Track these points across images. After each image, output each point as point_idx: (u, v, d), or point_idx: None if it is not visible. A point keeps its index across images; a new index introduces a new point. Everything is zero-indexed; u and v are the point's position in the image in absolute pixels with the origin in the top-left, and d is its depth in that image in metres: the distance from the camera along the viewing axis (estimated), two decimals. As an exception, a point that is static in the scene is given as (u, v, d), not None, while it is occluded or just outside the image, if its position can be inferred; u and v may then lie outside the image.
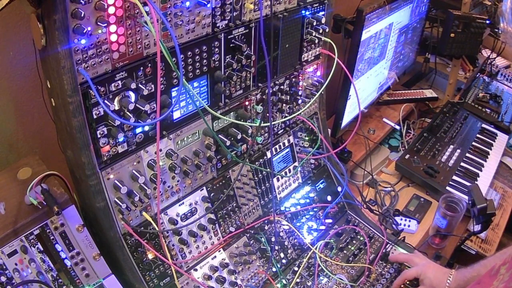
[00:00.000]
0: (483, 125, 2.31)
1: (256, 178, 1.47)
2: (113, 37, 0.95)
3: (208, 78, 1.21)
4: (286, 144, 1.58)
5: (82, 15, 0.86)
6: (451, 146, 2.09)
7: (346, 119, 1.85)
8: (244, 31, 1.24)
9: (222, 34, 1.18)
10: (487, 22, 2.19)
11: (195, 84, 1.19)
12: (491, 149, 2.15)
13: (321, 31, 1.45)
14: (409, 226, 1.73)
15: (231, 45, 1.22)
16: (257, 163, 1.47)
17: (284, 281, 1.40)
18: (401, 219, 1.75)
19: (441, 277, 1.31)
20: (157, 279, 1.21)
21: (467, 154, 2.07)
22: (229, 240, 1.39)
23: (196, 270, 1.31)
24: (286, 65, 1.44)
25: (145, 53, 1.03)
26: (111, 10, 0.92)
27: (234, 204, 1.41)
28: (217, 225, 1.35)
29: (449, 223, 1.62)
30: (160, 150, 1.17)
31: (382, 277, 1.47)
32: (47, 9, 0.84)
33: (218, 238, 1.36)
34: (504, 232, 1.82)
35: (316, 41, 1.49)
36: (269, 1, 1.26)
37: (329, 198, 1.66)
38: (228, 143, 1.27)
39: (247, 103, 1.37)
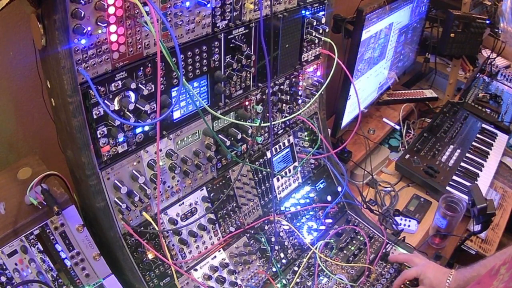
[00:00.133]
0: (483, 125, 2.31)
1: (256, 178, 1.47)
2: (113, 37, 0.95)
3: (208, 78, 1.21)
4: (286, 144, 1.58)
5: (82, 15, 0.86)
6: (451, 146, 2.09)
7: (346, 119, 1.85)
8: (244, 31, 1.24)
9: (222, 34, 1.18)
10: (487, 22, 2.19)
11: (195, 84, 1.19)
12: (491, 149, 2.15)
13: (321, 31, 1.45)
14: (409, 226, 1.73)
15: (231, 45, 1.22)
16: (257, 163, 1.47)
17: (284, 281, 1.40)
18: (401, 219, 1.75)
19: (441, 277, 1.31)
20: (157, 279, 1.21)
21: (467, 154, 2.07)
22: (229, 240, 1.39)
23: (196, 270, 1.31)
24: (286, 65, 1.44)
25: (145, 53, 1.03)
26: (111, 10, 0.92)
27: (234, 204, 1.41)
28: (217, 225, 1.35)
29: (449, 223, 1.62)
30: (160, 150, 1.17)
31: (382, 277, 1.47)
32: (47, 9, 0.84)
33: (218, 238, 1.36)
34: (504, 232, 1.82)
35: (316, 41, 1.49)
36: (269, 1, 1.26)
37: (329, 198, 1.66)
38: (228, 143, 1.27)
39: (247, 103, 1.37)
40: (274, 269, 1.41)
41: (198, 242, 1.31)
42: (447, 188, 1.85)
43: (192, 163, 1.26)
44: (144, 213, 1.19)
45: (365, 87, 1.94)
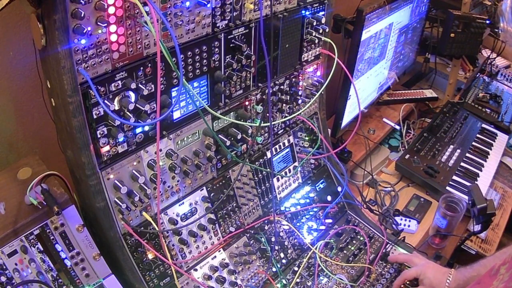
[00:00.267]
0: (483, 125, 2.31)
1: (256, 178, 1.47)
2: (113, 37, 0.95)
3: (208, 78, 1.21)
4: (286, 144, 1.58)
5: (82, 15, 0.86)
6: (451, 146, 2.09)
7: (346, 119, 1.85)
8: (244, 31, 1.24)
9: (222, 34, 1.18)
10: (487, 22, 2.20)
11: (195, 84, 1.19)
12: (491, 149, 2.15)
13: (321, 31, 1.45)
14: (409, 226, 1.73)
15: (231, 45, 1.22)
16: (257, 163, 1.47)
17: (284, 281, 1.40)
18: (401, 219, 1.75)
19: (440, 277, 1.31)
20: (157, 279, 1.21)
21: (467, 154, 2.07)
22: (229, 240, 1.39)
23: (196, 270, 1.31)
24: (286, 65, 1.44)
25: (145, 53, 1.03)
26: (111, 10, 0.92)
27: (234, 204, 1.41)
28: (217, 225, 1.36)
29: (449, 223, 1.62)
30: (160, 150, 1.17)
31: (382, 277, 1.47)
32: (47, 9, 0.84)
33: (218, 238, 1.36)
34: (504, 232, 1.82)
35: (316, 41, 1.49)
36: (269, 1, 1.26)
37: (329, 198, 1.66)
38: (228, 143, 1.27)
39: (247, 103, 1.37)
40: (274, 269, 1.41)
41: (198, 242, 1.31)
42: (447, 188, 1.85)
43: (192, 163, 1.26)
44: (144, 213, 1.19)
45: (365, 87, 1.94)
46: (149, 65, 1.04)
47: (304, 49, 1.48)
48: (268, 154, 1.50)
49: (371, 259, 1.50)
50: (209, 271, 1.32)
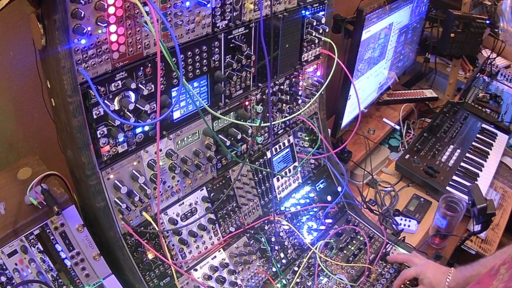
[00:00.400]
0: (483, 125, 2.31)
1: (256, 178, 1.47)
2: (113, 37, 0.95)
3: (208, 78, 1.21)
4: (286, 144, 1.58)
5: (82, 15, 0.86)
6: (451, 146, 2.09)
7: (346, 119, 1.85)
8: (244, 31, 1.24)
9: (222, 34, 1.18)
10: (487, 22, 2.19)
11: (195, 84, 1.19)
12: (491, 149, 2.15)
13: (321, 31, 1.45)
14: (409, 226, 1.73)
15: (231, 45, 1.22)
16: (257, 163, 1.47)
17: (284, 281, 1.40)
18: (401, 219, 1.75)
19: (440, 276, 1.31)
20: (157, 279, 1.21)
21: (467, 154, 2.07)
22: (229, 240, 1.39)
23: (196, 270, 1.31)
24: (286, 65, 1.44)
25: (145, 53, 1.03)
26: (111, 10, 0.92)
27: (234, 204, 1.41)
28: (217, 225, 1.36)
29: (449, 223, 1.62)
30: (160, 150, 1.17)
31: (382, 277, 1.47)
32: (47, 9, 0.84)
33: (218, 238, 1.36)
34: (504, 232, 1.82)
35: (316, 41, 1.49)
36: (269, 1, 1.26)
37: (329, 198, 1.66)
38: (228, 143, 1.27)
39: (247, 103, 1.37)
40: (274, 269, 1.42)
41: (198, 242, 1.31)
42: (447, 188, 1.85)
43: (192, 163, 1.26)
44: (144, 213, 1.19)
45: (365, 87, 1.94)
46: (149, 65, 1.04)
47: (304, 49, 1.48)
48: (268, 154, 1.50)
49: (371, 259, 1.50)
50: (209, 271, 1.32)
